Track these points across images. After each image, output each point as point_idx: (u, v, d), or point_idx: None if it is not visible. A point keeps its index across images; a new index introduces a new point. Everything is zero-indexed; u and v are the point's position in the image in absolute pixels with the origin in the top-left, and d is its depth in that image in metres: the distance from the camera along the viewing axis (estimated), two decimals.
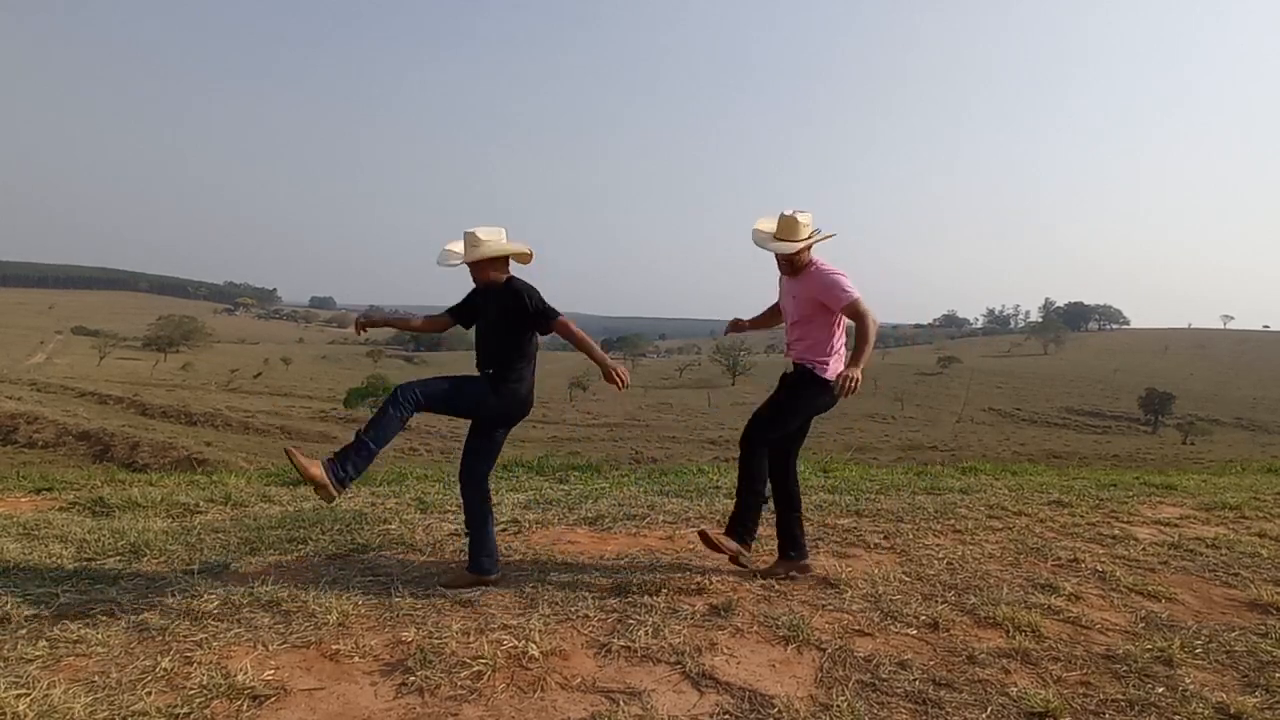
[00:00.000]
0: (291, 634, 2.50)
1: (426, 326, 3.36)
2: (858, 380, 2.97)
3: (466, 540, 3.18)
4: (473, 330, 3.27)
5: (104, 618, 2.58)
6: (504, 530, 3.87)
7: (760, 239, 3.24)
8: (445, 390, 3.03)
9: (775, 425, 3.25)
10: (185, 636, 2.44)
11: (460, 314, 3.31)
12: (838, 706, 2.13)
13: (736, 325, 3.65)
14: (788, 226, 3.18)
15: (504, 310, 3.13)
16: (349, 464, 2.83)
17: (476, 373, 3.16)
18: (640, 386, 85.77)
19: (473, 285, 3.23)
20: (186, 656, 2.31)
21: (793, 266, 3.26)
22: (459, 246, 3.16)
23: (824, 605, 2.93)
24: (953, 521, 4.32)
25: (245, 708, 2.04)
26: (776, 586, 3.12)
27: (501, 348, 3.14)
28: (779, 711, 2.10)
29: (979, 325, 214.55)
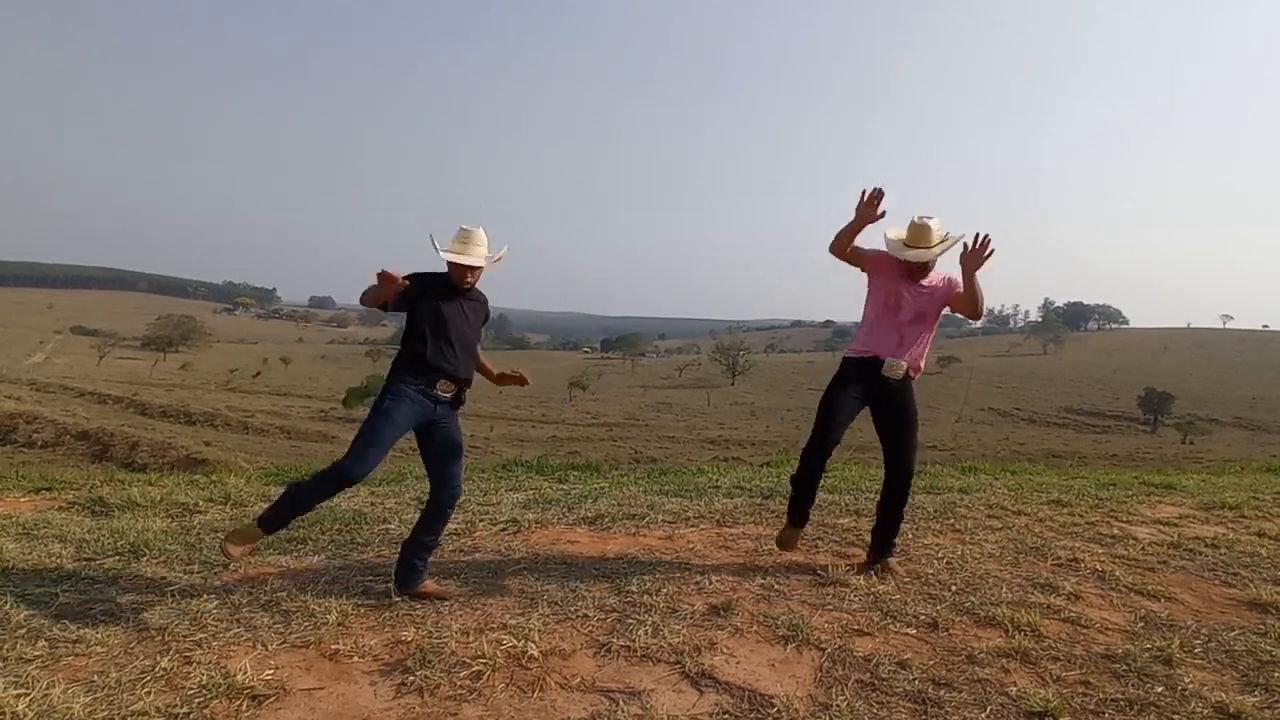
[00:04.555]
0: (291, 634, 2.50)
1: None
2: (986, 256, 3.10)
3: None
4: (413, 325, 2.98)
5: (103, 618, 2.58)
6: (503, 530, 3.87)
7: (894, 248, 3.24)
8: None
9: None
10: (185, 636, 2.44)
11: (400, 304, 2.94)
12: (837, 706, 2.13)
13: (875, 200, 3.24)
14: (920, 233, 3.21)
15: (480, 319, 3.09)
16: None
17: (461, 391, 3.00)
18: (640, 386, 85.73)
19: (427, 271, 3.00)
20: (186, 656, 2.31)
21: (924, 268, 3.26)
22: (481, 244, 2.97)
23: (824, 605, 2.93)
24: (952, 521, 4.32)
25: (245, 707, 2.04)
26: (776, 586, 3.12)
27: (473, 356, 3.06)
28: (778, 711, 2.11)
29: (978, 325, 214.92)
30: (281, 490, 2.93)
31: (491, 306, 3.29)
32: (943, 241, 3.23)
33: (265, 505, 2.87)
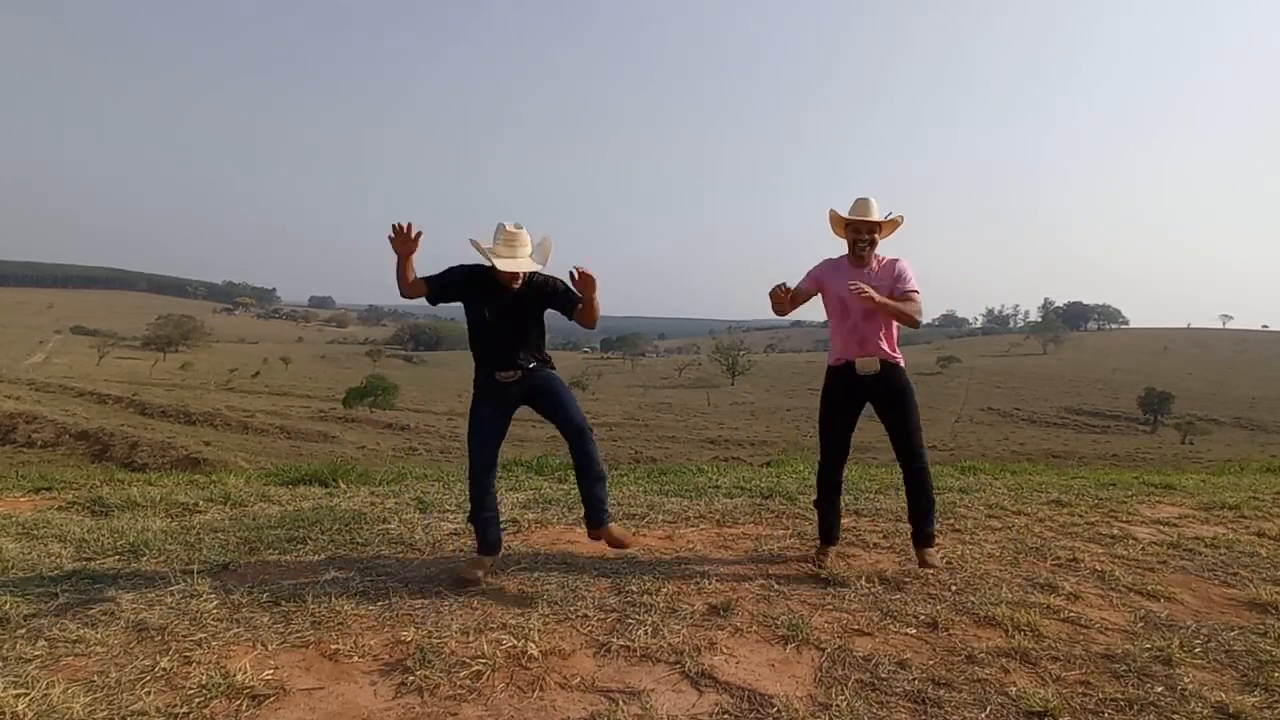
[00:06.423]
0: (291, 633, 2.50)
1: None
2: (867, 293, 3.06)
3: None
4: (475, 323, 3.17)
5: (103, 617, 2.58)
6: (503, 530, 3.86)
7: (836, 218, 3.31)
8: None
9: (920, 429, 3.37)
10: (184, 636, 2.44)
11: (445, 293, 3.15)
12: (837, 706, 2.13)
13: (781, 293, 3.39)
14: (861, 206, 3.26)
15: (532, 302, 3.15)
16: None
17: (535, 366, 3.19)
18: (640, 386, 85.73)
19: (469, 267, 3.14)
20: (186, 656, 2.31)
21: (861, 258, 3.27)
22: (525, 245, 3.04)
23: (823, 605, 2.93)
24: (952, 521, 4.32)
25: (244, 707, 2.04)
26: (776, 586, 3.12)
27: (529, 338, 3.19)
28: (778, 711, 2.11)
29: (978, 325, 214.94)
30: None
31: None
32: (889, 217, 3.29)
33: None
